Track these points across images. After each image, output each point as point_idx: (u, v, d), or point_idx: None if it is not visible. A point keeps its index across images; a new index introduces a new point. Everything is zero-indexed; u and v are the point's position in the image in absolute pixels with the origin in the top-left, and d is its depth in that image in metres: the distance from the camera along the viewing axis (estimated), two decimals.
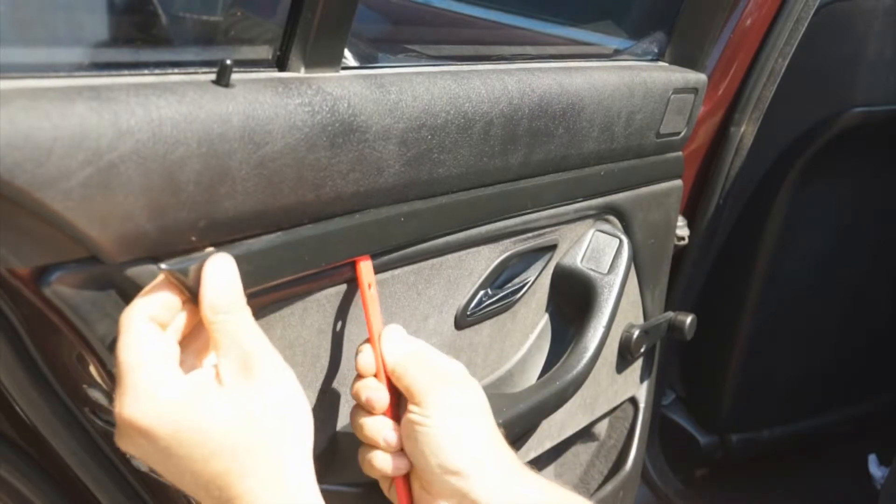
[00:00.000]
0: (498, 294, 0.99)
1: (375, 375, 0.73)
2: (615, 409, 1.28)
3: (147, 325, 0.57)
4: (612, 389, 1.22)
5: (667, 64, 1.16)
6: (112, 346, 0.61)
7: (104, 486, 0.80)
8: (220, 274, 0.60)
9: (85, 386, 0.69)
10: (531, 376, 1.05)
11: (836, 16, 1.49)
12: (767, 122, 1.42)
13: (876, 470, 1.91)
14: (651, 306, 1.25)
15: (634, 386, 1.29)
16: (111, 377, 0.64)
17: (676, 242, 1.34)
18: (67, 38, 0.59)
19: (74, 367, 0.68)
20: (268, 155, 0.62)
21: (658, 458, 1.69)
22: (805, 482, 1.84)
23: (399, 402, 0.74)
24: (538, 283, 1.07)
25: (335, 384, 0.82)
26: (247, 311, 0.61)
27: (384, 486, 0.76)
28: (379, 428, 0.72)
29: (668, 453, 1.71)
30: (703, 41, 1.16)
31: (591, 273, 1.08)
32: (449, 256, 0.90)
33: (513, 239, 0.98)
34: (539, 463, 0.97)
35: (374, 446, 0.72)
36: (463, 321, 0.96)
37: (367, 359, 0.73)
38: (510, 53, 1.04)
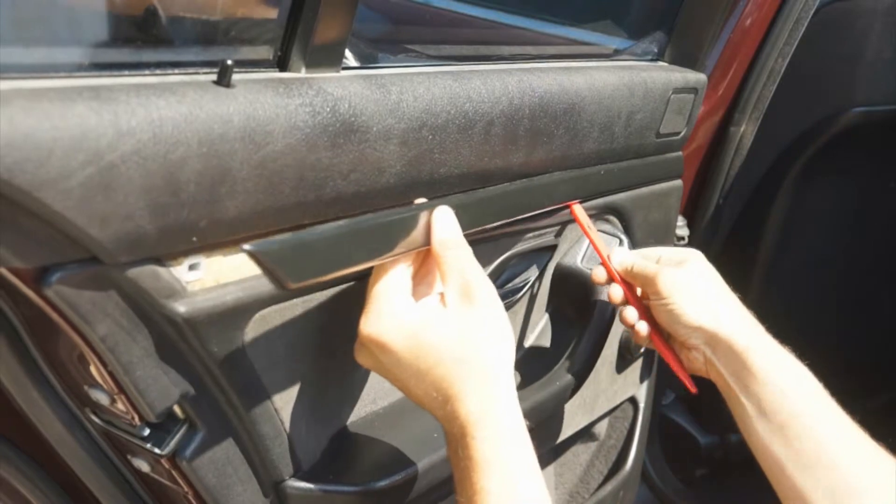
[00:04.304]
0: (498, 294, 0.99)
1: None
2: (615, 408, 1.28)
3: (394, 264, 0.72)
4: (612, 389, 1.22)
5: (666, 64, 1.16)
6: (112, 346, 0.62)
7: (104, 486, 0.80)
8: (446, 218, 0.74)
9: (86, 386, 0.69)
10: (531, 376, 1.05)
11: (836, 16, 1.49)
12: (767, 122, 1.42)
13: None
14: None
15: (634, 385, 1.29)
16: (112, 377, 0.64)
17: (676, 242, 1.33)
18: (67, 38, 0.59)
19: (75, 368, 0.68)
20: (269, 155, 0.62)
21: (658, 458, 1.69)
22: None
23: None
24: (538, 284, 1.07)
25: None
26: (468, 248, 0.74)
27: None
28: (624, 311, 0.95)
29: (668, 453, 1.71)
30: (703, 41, 1.16)
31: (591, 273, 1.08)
32: None
33: (512, 238, 0.98)
34: (539, 463, 0.97)
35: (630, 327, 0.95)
36: None
37: (599, 272, 0.96)
38: (510, 53, 1.04)
